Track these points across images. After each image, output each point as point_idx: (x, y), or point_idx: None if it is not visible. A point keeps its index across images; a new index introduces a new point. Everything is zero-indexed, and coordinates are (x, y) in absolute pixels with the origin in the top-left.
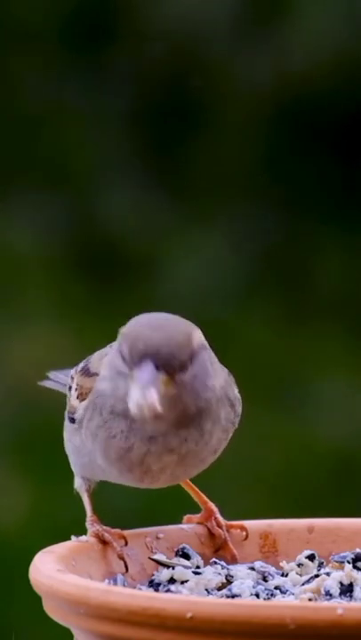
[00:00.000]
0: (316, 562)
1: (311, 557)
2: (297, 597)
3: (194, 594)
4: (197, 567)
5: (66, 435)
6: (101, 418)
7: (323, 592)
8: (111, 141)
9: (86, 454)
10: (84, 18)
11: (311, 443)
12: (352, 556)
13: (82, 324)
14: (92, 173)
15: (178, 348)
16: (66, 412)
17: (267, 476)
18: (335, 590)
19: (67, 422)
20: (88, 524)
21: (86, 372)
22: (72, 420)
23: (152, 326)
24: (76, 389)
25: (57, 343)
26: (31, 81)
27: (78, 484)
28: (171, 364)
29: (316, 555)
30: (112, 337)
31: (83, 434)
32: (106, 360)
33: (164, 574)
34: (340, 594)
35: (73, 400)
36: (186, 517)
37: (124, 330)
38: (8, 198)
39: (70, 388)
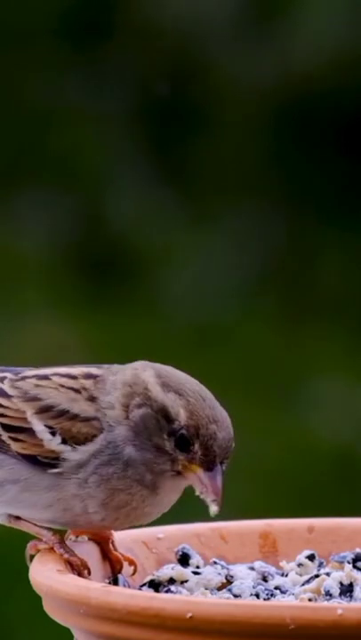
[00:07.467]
0: (316, 562)
1: (311, 557)
2: (297, 597)
3: (194, 594)
4: (197, 567)
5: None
6: (125, 477)
7: (323, 592)
8: (115, 141)
9: (58, 498)
10: (86, 17)
11: (311, 441)
12: (352, 555)
13: (85, 323)
14: (97, 173)
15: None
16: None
17: (266, 474)
18: (335, 590)
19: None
20: (56, 548)
21: (69, 416)
22: (37, 462)
23: (217, 419)
24: (51, 432)
25: (59, 342)
26: (35, 81)
27: (5, 518)
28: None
29: (316, 555)
30: (114, 335)
31: (76, 477)
32: (127, 419)
33: (164, 574)
34: (340, 594)
35: (53, 444)
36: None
37: (180, 411)
38: (12, 198)
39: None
